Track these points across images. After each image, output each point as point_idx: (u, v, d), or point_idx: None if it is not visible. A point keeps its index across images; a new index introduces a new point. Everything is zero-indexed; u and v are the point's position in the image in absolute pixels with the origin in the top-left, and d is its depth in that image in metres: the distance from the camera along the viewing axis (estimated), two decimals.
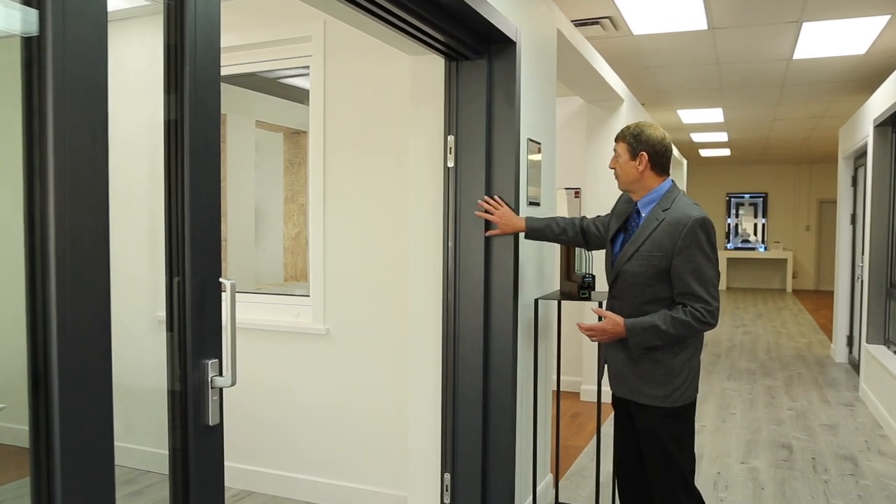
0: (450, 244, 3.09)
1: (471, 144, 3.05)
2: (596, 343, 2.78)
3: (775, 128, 9.87)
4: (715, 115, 8.62)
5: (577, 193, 6.47)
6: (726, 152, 12.91)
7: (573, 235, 3.04)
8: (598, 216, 3.06)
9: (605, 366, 2.82)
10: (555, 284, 3.76)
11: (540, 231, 3.04)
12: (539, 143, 3.38)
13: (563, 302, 3.68)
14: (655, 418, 2.60)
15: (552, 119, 3.69)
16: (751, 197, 16.36)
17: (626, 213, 2.76)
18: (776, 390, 6.50)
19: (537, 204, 3.38)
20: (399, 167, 3.48)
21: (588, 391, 6.12)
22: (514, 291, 3.07)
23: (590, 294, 3.37)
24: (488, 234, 3.02)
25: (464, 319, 3.09)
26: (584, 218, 3.08)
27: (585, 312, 6.14)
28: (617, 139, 2.69)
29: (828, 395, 6.31)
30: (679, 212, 2.54)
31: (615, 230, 2.77)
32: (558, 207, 6.42)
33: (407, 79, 3.38)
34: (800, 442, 4.93)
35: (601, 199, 6.06)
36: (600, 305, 2.86)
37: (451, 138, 3.07)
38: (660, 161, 2.64)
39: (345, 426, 3.68)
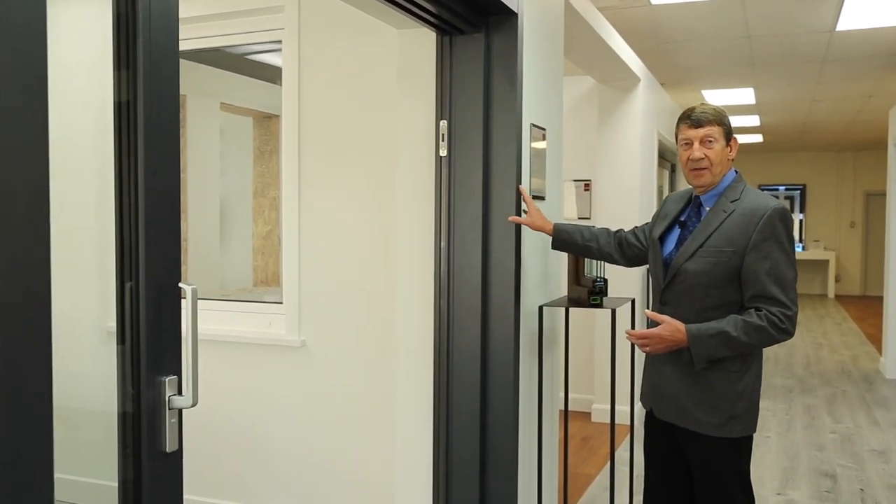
0: (442, 244, 3.10)
1: (466, 131, 3.06)
2: (642, 355, 2.79)
3: (815, 110, 9.91)
4: (745, 95, 8.65)
5: (588, 186, 6.48)
6: (758, 138, 12.95)
7: (604, 244, 3.02)
8: (636, 226, 3.06)
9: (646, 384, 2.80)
10: (562, 289, 3.77)
11: (568, 234, 3.04)
12: (544, 130, 3.40)
13: (571, 309, 3.68)
14: (708, 449, 2.59)
15: (559, 102, 3.69)
16: (786, 189, 16.43)
17: (676, 212, 2.76)
18: (817, 410, 6.52)
19: (542, 198, 3.39)
20: (385, 156, 3.48)
21: (600, 411, 6.13)
22: (516, 297, 3.08)
23: (601, 300, 3.38)
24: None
25: (458, 329, 3.09)
26: (620, 230, 3.08)
27: (597, 321, 6.15)
28: (710, 122, 2.61)
29: (877, 416, 6.33)
30: (753, 202, 2.54)
31: (664, 228, 2.75)
32: (565, 201, 6.44)
33: (393, 56, 3.38)
34: (845, 470, 4.95)
35: (615, 193, 6.08)
36: (653, 309, 2.81)
37: (443, 124, 3.08)
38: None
39: (322, 452, 3.68)
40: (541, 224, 3.05)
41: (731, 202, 2.57)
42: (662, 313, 2.64)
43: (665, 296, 2.67)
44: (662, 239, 2.75)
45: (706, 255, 2.54)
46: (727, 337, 2.47)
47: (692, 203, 2.73)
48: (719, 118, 2.62)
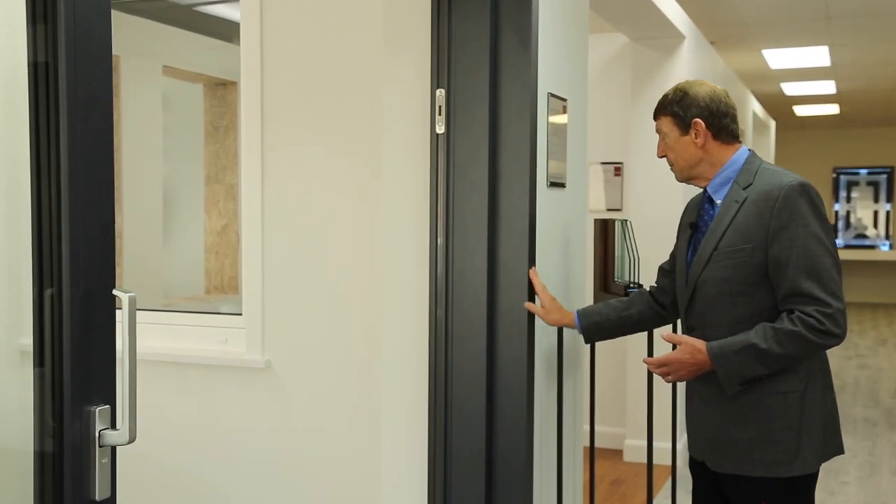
0: (439, 241, 3.10)
1: (468, 102, 3.06)
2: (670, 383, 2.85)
3: None
4: (818, 55, 8.63)
5: (619, 170, 6.48)
6: (833, 109, 12.95)
7: (645, 308, 3.02)
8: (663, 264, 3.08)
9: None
10: (587, 298, 3.77)
11: (598, 313, 3.02)
12: (564, 101, 3.40)
13: None
14: (761, 495, 2.60)
15: (583, 66, 3.69)
16: (869, 173, 16.42)
17: (693, 217, 2.80)
18: None
19: (562, 185, 3.39)
20: (368, 133, 3.48)
21: (634, 448, 6.12)
22: None
23: None
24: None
25: (459, 347, 3.09)
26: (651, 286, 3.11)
27: (630, 337, 6.12)
28: (656, 116, 2.78)
29: None
30: (766, 183, 2.58)
31: (686, 238, 2.80)
32: (591, 189, 6.44)
33: (379, 8, 3.38)
34: None
35: (652, 179, 6.06)
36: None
37: (440, 93, 3.08)
38: (721, 123, 2.70)
39: (291, 497, 3.68)
40: (558, 318, 3.04)
41: (744, 189, 2.61)
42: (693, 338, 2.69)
43: (690, 318, 2.72)
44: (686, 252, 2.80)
45: (723, 258, 2.58)
46: (757, 350, 2.49)
47: (704, 200, 2.78)
48: (663, 106, 2.75)
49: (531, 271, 3.02)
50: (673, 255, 3.01)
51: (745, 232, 2.54)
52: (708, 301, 2.63)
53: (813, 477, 2.63)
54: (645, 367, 3.34)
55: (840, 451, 2.66)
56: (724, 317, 2.59)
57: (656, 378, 3.40)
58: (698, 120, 2.66)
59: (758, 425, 2.57)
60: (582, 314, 3.04)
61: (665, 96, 2.75)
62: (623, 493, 5.44)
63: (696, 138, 2.67)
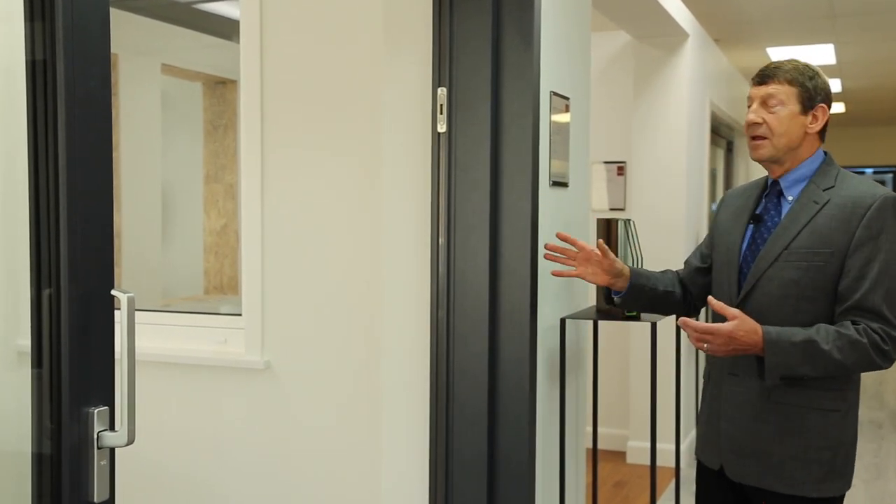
0: (440, 241, 3.10)
1: (470, 101, 3.06)
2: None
3: None
4: (823, 53, 8.63)
5: (622, 169, 6.48)
6: (839, 108, 12.93)
7: (679, 294, 2.90)
8: (688, 259, 2.98)
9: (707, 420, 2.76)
10: (589, 298, 3.77)
11: (647, 278, 2.87)
12: (567, 99, 3.40)
13: (601, 323, 3.68)
14: None
15: (586, 65, 3.69)
16: (875, 172, 16.39)
17: (748, 208, 2.70)
18: None
19: (564, 185, 3.39)
20: (369, 133, 3.48)
21: (637, 450, 6.12)
22: (532, 308, 3.08)
23: (639, 311, 3.37)
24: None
25: (460, 348, 3.09)
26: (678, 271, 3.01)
27: (633, 338, 6.13)
28: (777, 79, 2.56)
29: None
30: (854, 189, 2.50)
31: (742, 228, 2.68)
32: (594, 188, 6.44)
33: (380, 5, 3.38)
34: None
35: (655, 178, 6.06)
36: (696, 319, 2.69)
37: (441, 92, 3.08)
38: (828, 119, 2.65)
39: (290, 498, 3.68)
40: (620, 267, 2.85)
41: (824, 190, 2.52)
42: None
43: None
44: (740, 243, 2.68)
45: (794, 258, 2.49)
46: (815, 349, 2.39)
47: (769, 191, 2.68)
48: (793, 76, 2.56)
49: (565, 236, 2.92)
50: (700, 250, 2.91)
51: (826, 236, 2.46)
52: (769, 301, 2.53)
53: (837, 501, 2.57)
54: (647, 367, 3.35)
55: (850, 484, 2.60)
56: (784, 320, 2.48)
57: (659, 379, 3.40)
58: (824, 106, 2.59)
59: (795, 442, 2.51)
60: (634, 274, 2.85)
61: (796, 67, 2.58)
62: (626, 496, 5.43)
63: (811, 122, 2.58)
